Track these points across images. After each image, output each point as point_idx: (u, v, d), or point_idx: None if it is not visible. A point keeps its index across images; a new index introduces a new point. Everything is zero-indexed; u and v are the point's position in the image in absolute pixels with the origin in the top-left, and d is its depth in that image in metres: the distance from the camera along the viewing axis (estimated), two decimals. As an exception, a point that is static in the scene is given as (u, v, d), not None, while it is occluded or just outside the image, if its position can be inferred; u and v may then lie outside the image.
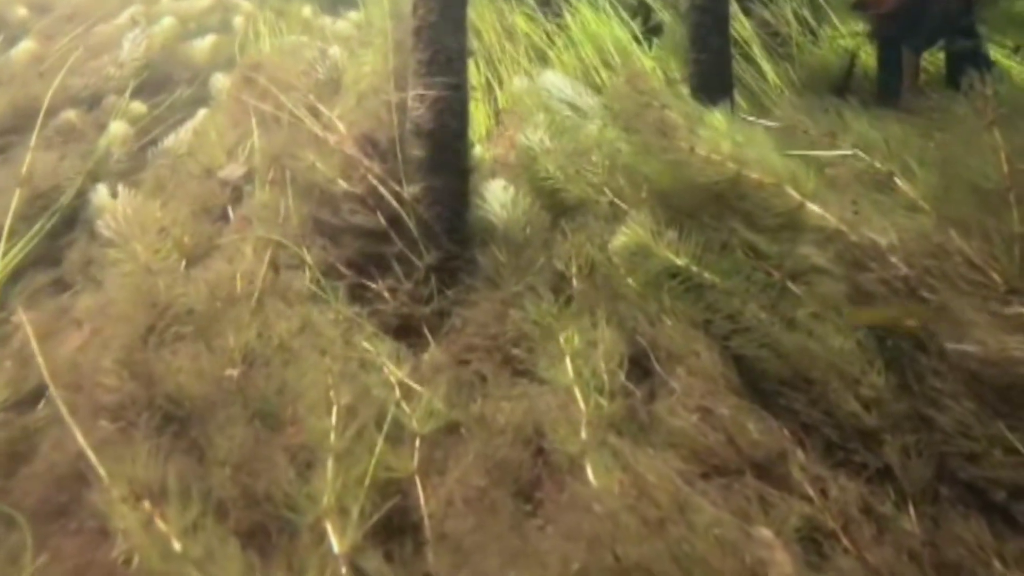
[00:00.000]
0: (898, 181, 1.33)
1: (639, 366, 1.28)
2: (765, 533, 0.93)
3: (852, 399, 1.11)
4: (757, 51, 2.91)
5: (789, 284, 1.33)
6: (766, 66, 2.86)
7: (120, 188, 1.66)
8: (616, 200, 1.63)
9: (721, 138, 1.47)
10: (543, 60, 2.91)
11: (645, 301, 1.38)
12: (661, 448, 1.09)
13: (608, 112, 1.70)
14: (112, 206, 1.61)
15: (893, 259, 1.20)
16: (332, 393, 1.17)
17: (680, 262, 1.40)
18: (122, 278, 1.43)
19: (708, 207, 1.49)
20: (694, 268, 1.39)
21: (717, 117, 1.55)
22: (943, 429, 1.07)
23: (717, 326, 1.31)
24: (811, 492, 1.02)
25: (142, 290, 1.37)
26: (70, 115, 2.00)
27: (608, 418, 1.14)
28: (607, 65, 2.75)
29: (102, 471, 1.10)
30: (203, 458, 1.17)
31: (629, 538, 0.88)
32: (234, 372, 1.22)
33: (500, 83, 2.85)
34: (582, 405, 1.15)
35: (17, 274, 1.58)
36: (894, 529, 1.01)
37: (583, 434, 1.09)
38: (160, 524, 0.98)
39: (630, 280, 1.43)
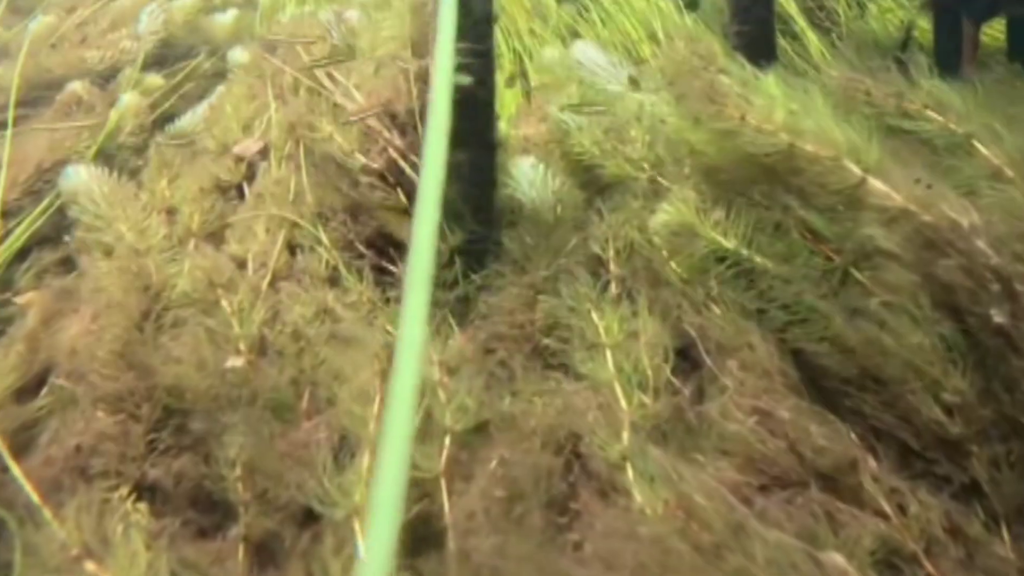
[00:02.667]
0: (978, 145, 1.18)
1: (685, 359, 1.16)
2: (836, 559, 0.81)
3: (932, 403, 0.98)
4: (800, 25, 2.74)
5: (852, 270, 1.19)
6: (810, 40, 2.68)
7: (93, 168, 1.57)
8: (657, 176, 1.50)
9: (775, 107, 1.33)
10: (576, 36, 2.77)
11: (690, 287, 1.25)
12: (712, 455, 0.97)
13: (660, 77, 1.56)
14: (87, 187, 1.52)
15: (978, 243, 1.06)
16: (375, 381, 1.07)
17: (728, 244, 1.27)
18: (108, 262, 1.33)
19: (759, 183, 1.36)
20: (744, 251, 1.26)
21: (771, 83, 1.41)
22: (1038, 438, 0.94)
23: (771, 316, 1.18)
24: (887, 508, 0.89)
25: (131, 274, 1.28)
26: (76, 87, 1.91)
27: (652, 419, 1.02)
28: (652, 38, 2.60)
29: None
30: (208, 455, 1.08)
31: (681, 569, 0.77)
32: (238, 362, 1.13)
33: (531, 60, 2.72)
34: (624, 404, 1.03)
35: (24, 252, 1.50)
36: (985, 553, 0.88)
37: (625, 438, 0.98)
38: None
39: (673, 264, 1.30)
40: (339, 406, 1.02)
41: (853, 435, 1.00)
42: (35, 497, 0.96)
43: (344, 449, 0.99)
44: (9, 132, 1.62)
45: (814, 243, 1.24)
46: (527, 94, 2.58)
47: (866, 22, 2.74)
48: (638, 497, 0.89)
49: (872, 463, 0.95)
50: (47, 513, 0.98)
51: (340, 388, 1.04)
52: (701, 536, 0.80)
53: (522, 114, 2.27)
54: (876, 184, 1.21)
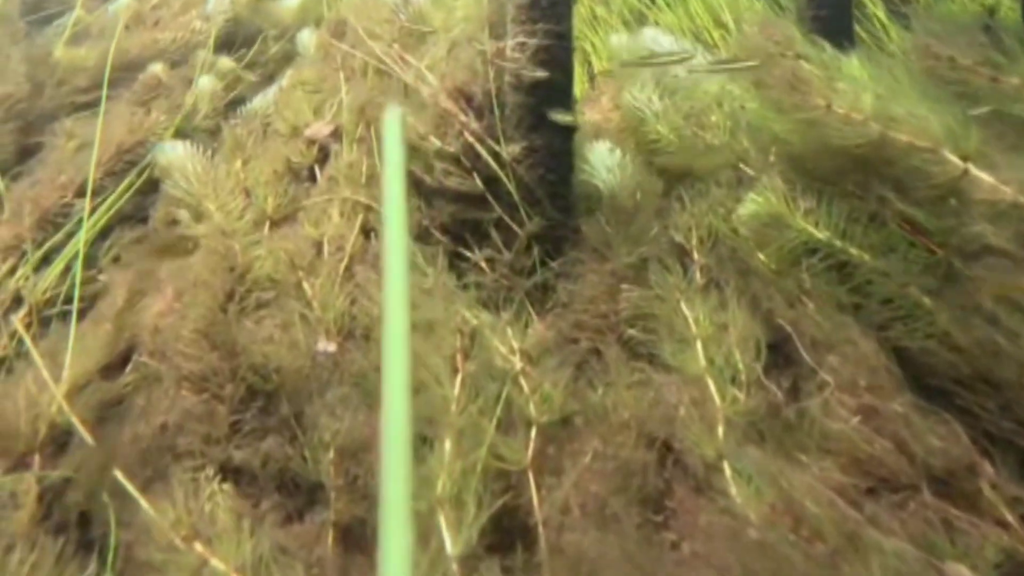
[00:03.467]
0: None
1: (778, 354, 1.11)
2: (960, 571, 0.76)
3: (1053, 408, 0.92)
4: (876, 10, 2.63)
5: (957, 264, 1.13)
6: (887, 24, 2.58)
7: (188, 146, 1.59)
8: (741, 164, 1.44)
9: (862, 92, 1.26)
10: (641, 21, 2.71)
11: (781, 279, 1.20)
12: (815, 455, 0.93)
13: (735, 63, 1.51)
14: (181, 163, 1.53)
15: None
16: (456, 362, 1.05)
17: (821, 235, 1.22)
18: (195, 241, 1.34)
19: (851, 172, 1.30)
20: (838, 242, 1.21)
21: (856, 66, 1.34)
22: None
23: (869, 311, 1.13)
24: (1009, 517, 0.84)
25: (218, 254, 1.28)
26: (157, 69, 1.93)
27: (747, 415, 0.98)
28: (719, 24, 2.53)
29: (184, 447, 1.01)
30: (294, 438, 1.08)
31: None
32: (331, 347, 1.11)
33: (593, 47, 2.67)
34: (717, 399, 0.99)
35: (106, 232, 1.53)
36: (1113, 569, 0.82)
37: (720, 435, 0.94)
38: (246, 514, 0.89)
39: (761, 255, 1.26)
40: (419, 391, 1.00)
41: (966, 438, 0.95)
42: (126, 483, 0.97)
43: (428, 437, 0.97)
44: (101, 110, 1.63)
45: (913, 235, 1.18)
46: (592, 79, 2.54)
47: (946, 5, 2.61)
48: (737, 497, 0.86)
49: (989, 468, 0.90)
50: (137, 494, 0.98)
51: (420, 373, 1.02)
52: (813, 543, 0.76)
53: (587, 99, 2.23)
54: (980, 176, 1.14)
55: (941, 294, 1.10)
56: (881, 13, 2.57)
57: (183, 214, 1.51)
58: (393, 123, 0.49)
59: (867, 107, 1.24)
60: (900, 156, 1.23)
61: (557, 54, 1.46)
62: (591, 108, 2.14)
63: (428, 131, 1.52)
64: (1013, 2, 2.35)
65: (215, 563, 0.87)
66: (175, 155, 1.64)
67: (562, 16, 1.48)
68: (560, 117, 1.40)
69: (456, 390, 1.00)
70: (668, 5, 2.73)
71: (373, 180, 1.58)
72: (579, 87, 2.58)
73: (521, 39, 1.47)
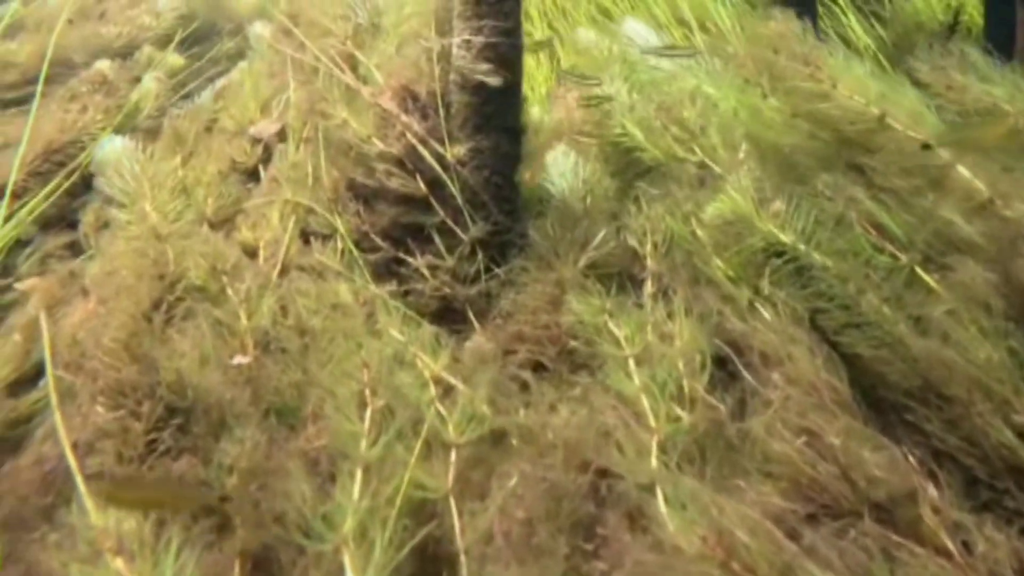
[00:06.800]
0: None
1: (726, 370, 1.05)
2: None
3: (1002, 425, 0.87)
4: (843, 7, 2.59)
5: (918, 270, 1.07)
6: (853, 24, 2.53)
7: (128, 141, 1.51)
8: (707, 161, 1.38)
9: (865, 79, 1.24)
10: (607, 16, 2.67)
11: (737, 287, 1.14)
12: (755, 480, 0.87)
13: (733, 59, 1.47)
14: (117, 162, 1.46)
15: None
16: (366, 390, 0.98)
17: (786, 239, 1.15)
18: (127, 243, 1.26)
19: (823, 171, 1.25)
20: (802, 246, 1.14)
21: (857, 65, 1.31)
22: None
23: (827, 319, 1.07)
24: (949, 544, 0.79)
25: (149, 259, 1.21)
26: (103, 66, 1.84)
27: (686, 436, 0.92)
28: (681, 22, 2.49)
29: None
30: (208, 460, 1.01)
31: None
32: (244, 359, 1.05)
33: (561, 42, 2.62)
34: (652, 421, 0.93)
35: (30, 237, 1.44)
36: (1064, 601, 0.77)
37: (654, 459, 0.88)
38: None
39: (719, 261, 1.20)
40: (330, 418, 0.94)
41: (912, 458, 0.90)
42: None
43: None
44: (33, 107, 1.54)
45: (879, 239, 1.13)
46: (558, 76, 2.48)
47: (912, 2, 2.57)
48: (670, 526, 0.80)
49: (933, 491, 0.85)
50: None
51: (332, 400, 0.95)
52: (743, 578, 0.70)
53: (554, 96, 2.16)
54: (962, 172, 1.10)
55: (899, 302, 1.05)
56: (846, 5, 2.53)
57: (116, 216, 1.43)
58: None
59: (870, 93, 1.21)
60: (887, 145, 1.20)
61: (504, 52, 1.39)
62: (557, 106, 2.08)
63: (370, 133, 1.45)
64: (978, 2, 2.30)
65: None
66: (112, 151, 1.57)
67: (510, 12, 1.41)
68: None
69: (366, 422, 0.93)
70: (631, 5, 2.68)
71: (317, 182, 1.51)
72: (547, 84, 2.53)
73: (467, 36, 1.40)
